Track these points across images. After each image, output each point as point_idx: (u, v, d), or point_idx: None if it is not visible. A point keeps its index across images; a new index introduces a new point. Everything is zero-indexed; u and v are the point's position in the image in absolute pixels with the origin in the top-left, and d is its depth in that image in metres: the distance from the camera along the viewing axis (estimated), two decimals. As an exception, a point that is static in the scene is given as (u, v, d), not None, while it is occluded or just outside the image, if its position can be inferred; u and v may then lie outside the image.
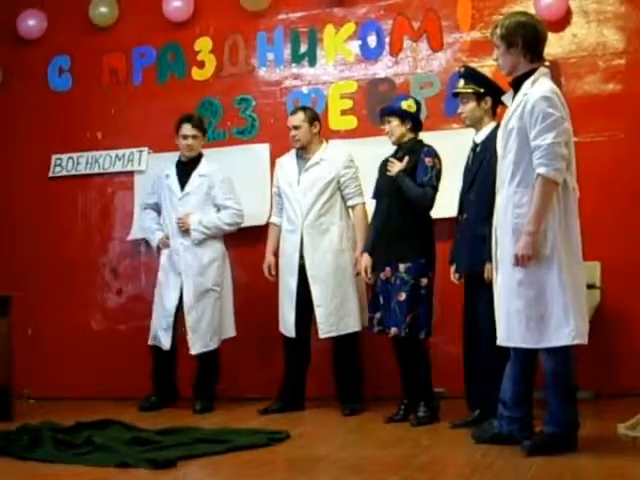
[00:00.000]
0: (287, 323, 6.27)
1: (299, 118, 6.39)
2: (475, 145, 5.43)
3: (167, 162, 6.89)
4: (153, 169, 7.33)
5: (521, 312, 4.41)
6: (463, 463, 4.40)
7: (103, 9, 7.71)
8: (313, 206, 6.28)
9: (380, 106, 6.33)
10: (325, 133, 6.90)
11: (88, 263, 7.68)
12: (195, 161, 6.71)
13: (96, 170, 7.69)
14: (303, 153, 6.43)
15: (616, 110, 6.42)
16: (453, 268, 5.50)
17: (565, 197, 4.40)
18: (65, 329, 7.59)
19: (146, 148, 7.53)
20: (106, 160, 7.66)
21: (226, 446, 4.89)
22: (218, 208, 6.65)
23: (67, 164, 7.75)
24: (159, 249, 6.78)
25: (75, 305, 7.64)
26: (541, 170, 4.31)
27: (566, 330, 4.32)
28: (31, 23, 7.89)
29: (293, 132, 6.38)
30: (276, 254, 6.49)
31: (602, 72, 6.54)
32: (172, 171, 6.74)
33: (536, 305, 4.37)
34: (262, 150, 7.20)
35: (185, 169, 6.71)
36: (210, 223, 6.56)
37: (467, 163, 5.47)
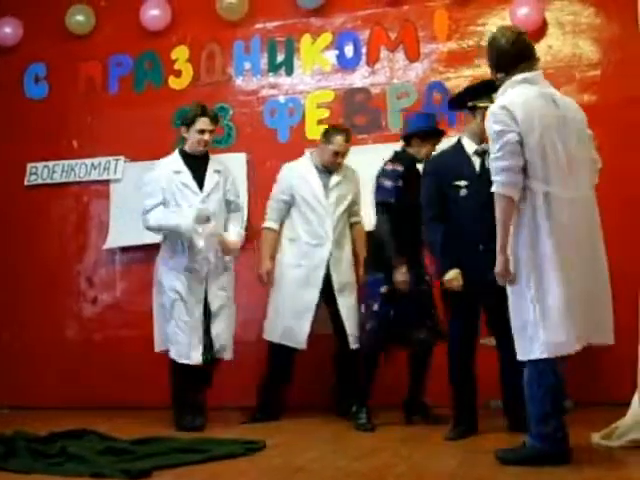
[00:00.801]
0: (298, 335, 6.20)
1: (349, 144, 6.34)
2: (483, 152, 5.32)
3: (171, 158, 6.27)
4: (129, 178, 7.34)
5: (519, 328, 4.44)
6: (440, 473, 4.39)
7: (80, 17, 7.69)
8: (339, 222, 6.32)
9: (356, 116, 6.44)
10: (302, 142, 6.95)
11: (63, 272, 7.65)
12: (203, 156, 6.32)
13: (72, 179, 7.66)
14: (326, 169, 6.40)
15: (591, 121, 6.42)
16: (457, 273, 5.27)
17: (532, 205, 4.41)
18: (40, 337, 7.55)
19: (122, 157, 7.51)
20: (82, 169, 7.63)
21: (202, 456, 4.87)
22: (228, 206, 6.37)
23: (42, 172, 7.71)
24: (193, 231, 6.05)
25: (50, 313, 7.59)
26: (492, 187, 4.41)
27: (536, 345, 4.35)
28: (7, 30, 7.87)
29: (339, 159, 6.30)
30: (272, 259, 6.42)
31: (578, 83, 6.59)
32: (182, 167, 6.21)
33: (526, 319, 4.39)
34: (239, 159, 7.20)
35: (197, 164, 6.23)
36: (241, 236, 6.39)
37: (470, 171, 5.37)
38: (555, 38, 6.68)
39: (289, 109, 7.23)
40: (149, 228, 6.20)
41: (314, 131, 7.06)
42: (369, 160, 6.55)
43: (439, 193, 5.37)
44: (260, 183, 7.08)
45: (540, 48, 6.61)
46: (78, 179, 7.64)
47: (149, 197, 6.13)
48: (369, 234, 6.21)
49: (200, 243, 6.06)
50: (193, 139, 6.21)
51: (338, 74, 7.17)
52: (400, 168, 5.77)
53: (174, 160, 6.24)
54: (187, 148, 6.26)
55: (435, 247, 5.42)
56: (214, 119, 6.28)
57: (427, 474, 4.39)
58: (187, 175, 6.18)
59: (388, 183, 5.77)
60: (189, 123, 6.19)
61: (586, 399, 6.04)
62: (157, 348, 6.29)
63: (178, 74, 7.50)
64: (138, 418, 6.52)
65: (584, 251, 4.45)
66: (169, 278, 6.13)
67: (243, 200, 6.97)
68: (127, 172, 7.46)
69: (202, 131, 6.18)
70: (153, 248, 7.14)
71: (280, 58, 7.32)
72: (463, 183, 5.31)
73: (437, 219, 5.37)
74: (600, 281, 4.54)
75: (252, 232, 6.94)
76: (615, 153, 6.38)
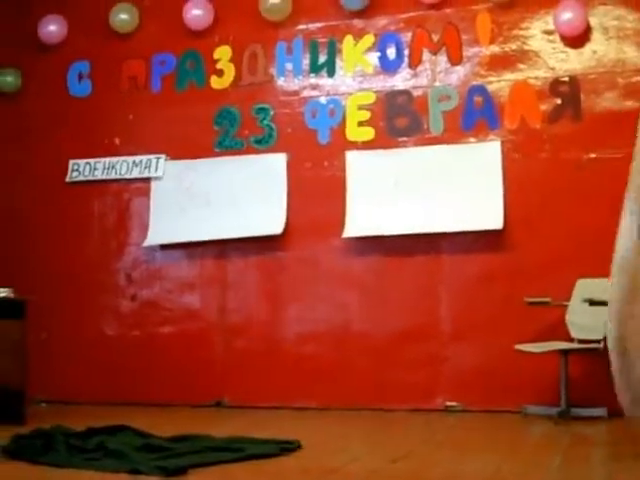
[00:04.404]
0: None
1: None
2: None
3: None
4: (170, 176, 7.41)
5: None
6: (474, 477, 4.37)
7: (123, 16, 7.75)
8: None
9: (397, 118, 6.39)
10: (342, 144, 6.96)
11: (103, 269, 7.71)
12: None
13: (113, 176, 7.72)
14: None
15: (634, 127, 6.38)
16: None
17: None
18: (78, 333, 7.62)
19: (163, 155, 7.55)
20: (123, 166, 7.69)
21: (237, 455, 4.89)
22: None
23: (84, 169, 7.78)
24: None
25: (89, 310, 7.66)
26: None
27: None
28: (52, 28, 7.94)
29: None
30: None
31: (621, 88, 6.52)
32: None
33: None
34: (279, 159, 7.22)
35: None
36: None
37: None
38: (599, 43, 6.62)
39: (330, 110, 7.23)
40: None
41: (355, 133, 7.07)
42: (410, 163, 6.57)
43: None
44: (300, 183, 7.11)
45: (584, 53, 6.60)
46: (119, 176, 7.70)
47: None
48: None
49: None
50: None
51: (380, 76, 7.15)
52: None
53: None
54: None
55: None
56: None
57: (462, 479, 4.38)
58: None
59: None
60: None
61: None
62: None
63: (220, 74, 7.53)
64: (175, 415, 6.56)
65: None
66: None
67: (283, 200, 7.01)
68: (168, 170, 7.51)
69: None
70: (193, 246, 7.22)
71: (322, 59, 7.32)
72: None
73: None
74: None
75: (292, 233, 6.99)
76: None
